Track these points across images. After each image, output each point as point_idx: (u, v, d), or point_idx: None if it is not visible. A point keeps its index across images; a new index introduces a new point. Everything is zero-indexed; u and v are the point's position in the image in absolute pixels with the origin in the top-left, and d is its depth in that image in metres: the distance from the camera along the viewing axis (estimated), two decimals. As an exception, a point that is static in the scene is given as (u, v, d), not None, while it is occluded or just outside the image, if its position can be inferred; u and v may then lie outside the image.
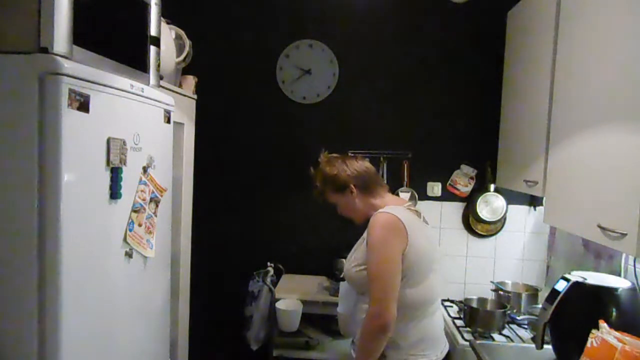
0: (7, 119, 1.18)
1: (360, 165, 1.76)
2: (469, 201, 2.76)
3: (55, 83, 1.16)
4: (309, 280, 2.70)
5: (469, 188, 2.76)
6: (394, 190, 2.73)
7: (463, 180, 2.76)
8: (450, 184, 2.78)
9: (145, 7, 1.64)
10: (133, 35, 1.61)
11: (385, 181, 2.73)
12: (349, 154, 1.87)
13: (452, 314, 2.42)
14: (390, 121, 2.80)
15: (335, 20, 2.81)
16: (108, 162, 1.35)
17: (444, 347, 1.74)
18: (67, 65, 1.18)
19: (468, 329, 2.20)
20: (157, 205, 1.65)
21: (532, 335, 2.11)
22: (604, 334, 1.39)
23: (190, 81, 2.49)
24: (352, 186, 1.73)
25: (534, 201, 2.72)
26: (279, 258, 2.74)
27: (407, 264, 1.56)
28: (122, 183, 1.41)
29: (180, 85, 2.40)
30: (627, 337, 1.37)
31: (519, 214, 2.76)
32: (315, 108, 2.84)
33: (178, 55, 2.27)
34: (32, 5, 1.20)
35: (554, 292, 1.67)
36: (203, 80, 2.59)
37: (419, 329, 1.63)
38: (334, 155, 1.84)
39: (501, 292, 2.44)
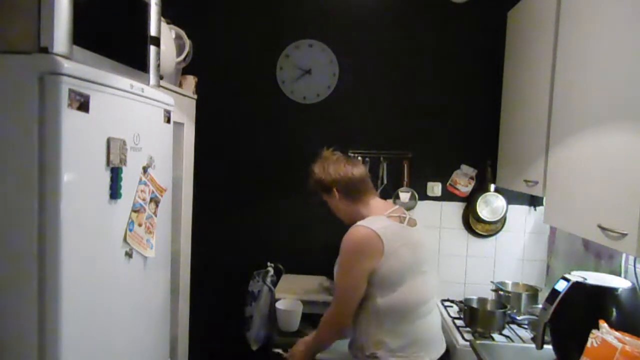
0: (7, 119, 1.18)
1: (346, 170, 1.79)
2: (469, 201, 2.76)
3: (55, 83, 1.15)
4: (309, 280, 2.70)
5: (469, 188, 2.76)
6: (394, 191, 2.73)
7: (463, 180, 2.76)
8: (450, 184, 2.78)
9: (145, 7, 1.64)
10: (133, 35, 1.61)
11: (385, 181, 2.73)
12: (345, 155, 1.90)
13: (452, 314, 2.42)
14: (390, 121, 2.80)
15: (335, 20, 2.81)
16: (108, 162, 1.34)
17: (440, 348, 1.74)
18: (67, 65, 1.18)
19: (468, 329, 2.20)
20: (157, 205, 1.65)
21: (532, 335, 2.11)
22: (604, 334, 1.39)
23: (190, 81, 2.48)
24: (335, 190, 1.78)
25: (534, 201, 2.72)
26: (279, 258, 2.74)
27: (380, 275, 1.63)
28: (122, 183, 1.40)
29: (180, 85, 2.40)
30: (627, 337, 1.37)
31: (519, 214, 2.76)
32: (315, 108, 2.84)
33: (178, 55, 2.27)
34: (32, 5, 1.19)
35: (554, 292, 1.67)
36: (203, 80, 2.59)
37: (410, 331, 1.66)
38: (330, 155, 1.87)
39: (501, 292, 2.44)
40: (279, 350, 2.19)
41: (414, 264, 1.68)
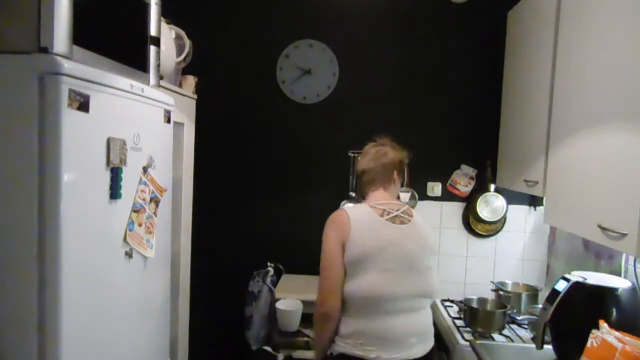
0: (7, 119, 1.18)
1: (362, 162, 1.88)
2: (469, 201, 2.76)
3: (55, 83, 1.16)
4: (309, 280, 2.70)
5: (469, 188, 2.76)
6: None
7: (463, 180, 2.76)
8: (450, 184, 2.78)
9: (145, 7, 1.64)
10: (133, 35, 1.61)
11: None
12: (379, 146, 1.90)
13: (452, 314, 2.42)
14: (390, 121, 2.79)
15: (335, 20, 2.80)
16: (108, 162, 1.35)
17: (406, 352, 1.65)
18: (67, 65, 1.18)
19: (468, 329, 2.20)
20: (157, 205, 1.65)
21: (532, 335, 2.11)
22: (604, 334, 1.39)
23: (190, 81, 2.49)
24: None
25: (534, 201, 2.72)
26: (279, 258, 2.74)
27: (345, 259, 1.67)
28: (122, 183, 1.41)
29: (180, 85, 2.40)
30: (627, 337, 1.37)
31: (519, 214, 2.76)
32: (315, 108, 2.84)
33: (178, 55, 2.27)
34: (32, 5, 1.20)
35: (554, 292, 1.67)
36: (203, 80, 2.59)
37: (362, 322, 1.66)
38: (377, 144, 1.91)
39: (501, 292, 2.44)
40: (268, 348, 2.22)
41: (377, 259, 1.66)
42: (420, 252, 1.73)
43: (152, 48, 1.68)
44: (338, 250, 1.67)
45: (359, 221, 1.70)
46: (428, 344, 1.73)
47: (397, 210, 1.77)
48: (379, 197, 1.82)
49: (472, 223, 2.77)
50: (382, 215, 1.74)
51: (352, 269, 1.67)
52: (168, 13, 2.01)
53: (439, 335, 2.23)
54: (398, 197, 1.97)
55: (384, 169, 1.84)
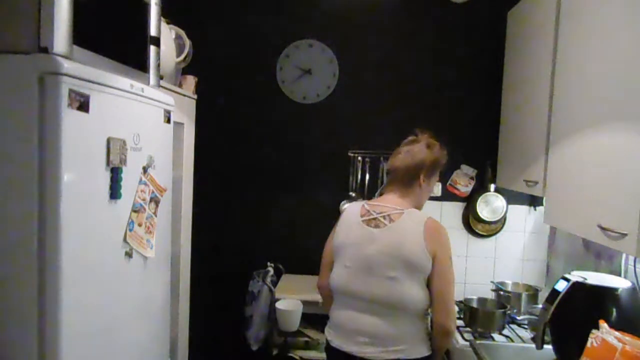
0: (7, 119, 1.18)
1: (390, 161, 1.85)
2: (469, 201, 2.76)
3: (55, 83, 1.16)
4: (309, 280, 2.69)
5: (469, 188, 2.76)
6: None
7: (463, 180, 2.76)
8: (450, 184, 2.78)
9: (145, 7, 1.64)
10: (133, 35, 1.61)
11: (385, 181, 2.73)
12: (409, 143, 1.83)
13: (452, 314, 2.42)
14: (390, 121, 2.79)
15: (335, 20, 2.80)
16: (108, 162, 1.35)
17: (357, 350, 1.65)
18: (67, 65, 1.18)
19: (468, 329, 2.20)
20: (157, 205, 1.65)
21: (532, 335, 2.11)
22: (604, 334, 1.39)
23: (190, 81, 2.48)
24: None
25: (534, 201, 2.72)
26: (279, 258, 2.74)
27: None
28: (122, 183, 1.40)
29: (180, 85, 2.40)
30: (627, 337, 1.37)
31: (519, 214, 2.76)
32: (315, 108, 2.84)
33: (178, 55, 2.27)
34: (32, 5, 1.20)
35: (554, 292, 1.67)
36: (203, 80, 2.59)
37: (334, 310, 1.79)
38: (412, 140, 1.84)
39: (501, 292, 2.44)
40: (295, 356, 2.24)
41: (343, 255, 1.74)
42: (383, 259, 1.64)
43: (152, 48, 1.68)
44: (330, 240, 1.85)
45: (344, 217, 1.82)
46: (387, 351, 1.62)
47: (379, 214, 1.71)
48: (383, 199, 1.81)
49: (472, 223, 2.77)
50: (362, 216, 1.75)
51: (334, 258, 1.80)
52: (168, 13, 2.01)
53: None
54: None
55: (407, 172, 1.75)
